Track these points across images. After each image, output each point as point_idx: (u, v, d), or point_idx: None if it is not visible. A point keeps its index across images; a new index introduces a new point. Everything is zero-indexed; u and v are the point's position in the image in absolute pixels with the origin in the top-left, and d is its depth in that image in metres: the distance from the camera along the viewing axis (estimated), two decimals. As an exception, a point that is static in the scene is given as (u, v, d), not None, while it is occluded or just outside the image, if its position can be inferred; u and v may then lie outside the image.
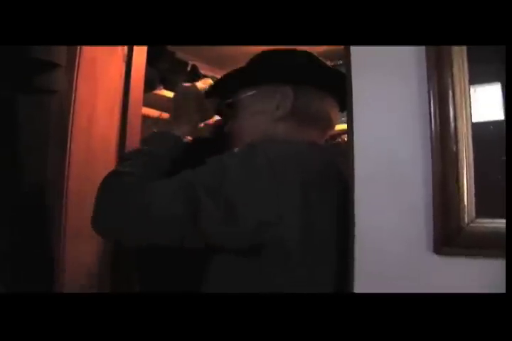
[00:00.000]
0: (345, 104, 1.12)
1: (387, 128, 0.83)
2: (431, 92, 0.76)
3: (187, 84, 1.19)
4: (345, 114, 2.23)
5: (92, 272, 1.36)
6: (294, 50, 1.14)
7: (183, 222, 0.87)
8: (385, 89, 0.85)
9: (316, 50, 1.16)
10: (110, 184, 0.97)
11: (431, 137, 0.75)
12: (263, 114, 1.09)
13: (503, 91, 0.73)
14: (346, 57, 0.88)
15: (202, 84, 1.20)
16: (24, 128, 1.20)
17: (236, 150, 0.96)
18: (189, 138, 1.16)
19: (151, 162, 1.03)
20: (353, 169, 0.83)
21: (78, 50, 1.37)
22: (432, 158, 0.75)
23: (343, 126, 2.21)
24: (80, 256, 1.34)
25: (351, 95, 0.87)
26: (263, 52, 1.17)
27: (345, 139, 2.20)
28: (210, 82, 1.22)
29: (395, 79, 0.84)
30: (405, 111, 0.81)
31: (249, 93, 1.12)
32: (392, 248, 0.78)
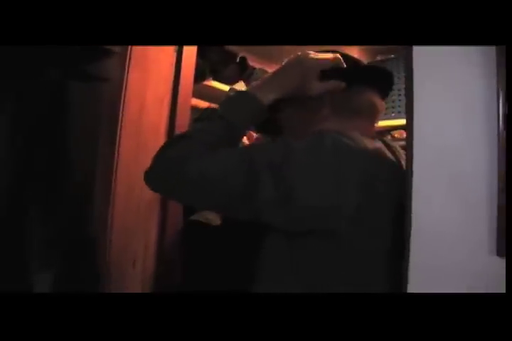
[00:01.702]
0: (385, 92, 1.15)
1: (450, 124, 0.80)
2: (500, 89, 0.73)
3: (311, 53, 1.07)
4: (393, 109, 2.20)
5: (137, 264, 1.37)
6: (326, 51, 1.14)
7: (238, 193, 0.86)
8: (448, 83, 0.82)
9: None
10: (176, 145, 0.95)
11: (498, 134, 0.72)
12: (309, 117, 1.09)
13: None
14: (407, 51, 0.86)
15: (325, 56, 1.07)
16: (76, 115, 1.21)
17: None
18: None
19: (224, 130, 0.97)
20: (411, 166, 0.81)
21: (131, 38, 1.38)
22: (498, 157, 0.72)
23: (392, 122, 2.19)
24: (127, 249, 1.35)
25: (411, 90, 0.84)
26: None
27: (395, 135, 2.17)
28: (337, 57, 1.09)
29: (459, 74, 0.81)
30: (470, 108, 0.78)
31: (291, 101, 1.10)
32: (451, 250, 0.76)
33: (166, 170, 0.92)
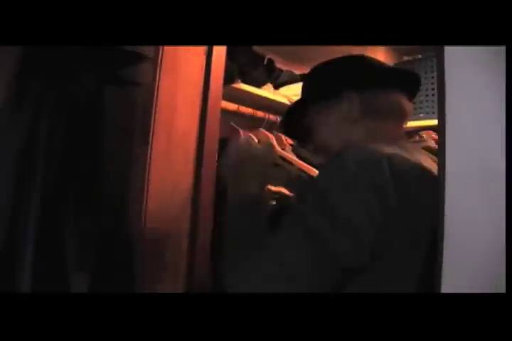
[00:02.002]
0: (412, 94, 1.18)
1: (480, 124, 0.81)
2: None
3: (242, 148, 1.19)
4: (421, 109, 2.19)
5: (170, 268, 1.40)
6: (350, 56, 1.19)
7: (319, 261, 0.86)
8: (478, 84, 0.82)
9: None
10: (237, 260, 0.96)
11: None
12: (338, 121, 1.12)
13: None
14: (439, 51, 0.86)
15: (258, 141, 1.21)
16: (111, 118, 1.23)
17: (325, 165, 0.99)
18: None
19: (254, 219, 1.02)
20: (443, 168, 0.81)
21: (161, 42, 1.40)
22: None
23: (421, 123, 2.18)
24: (158, 251, 1.38)
25: (443, 91, 0.85)
26: (319, 65, 1.22)
27: (424, 136, 2.17)
28: (266, 136, 1.24)
29: (489, 74, 0.81)
30: (500, 108, 0.79)
31: (319, 106, 1.16)
32: (483, 249, 0.76)
33: (244, 278, 0.91)
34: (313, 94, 1.16)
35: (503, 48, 0.78)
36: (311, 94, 1.16)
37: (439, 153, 0.83)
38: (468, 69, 0.83)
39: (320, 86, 1.17)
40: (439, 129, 0.84)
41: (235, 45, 1.76)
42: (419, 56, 2.26)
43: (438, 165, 0.84)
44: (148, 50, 1.30)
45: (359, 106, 1.09)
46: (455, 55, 0.84)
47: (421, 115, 2.22)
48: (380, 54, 2.30)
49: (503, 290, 0.69)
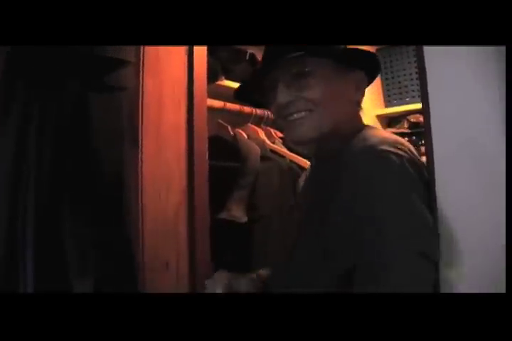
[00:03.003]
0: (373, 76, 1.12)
1: (465, 105, 0.81)
2: None
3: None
4: (407, 94, 2.19)
5: (171, 267, 1.41)
6: None
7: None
8: (461, 66, 0.82)
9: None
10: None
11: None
12: (344, 96, 1.03)
13: None
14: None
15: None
16: (99, 123, 1.23)
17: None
18: None
19: None
20: (432, 151, 0.82)
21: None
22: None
23: (408, 107, 2.19)
24: (159, 251, 1.38)
25: (425, 74, 0.85)
26: None
27: (412, 120, 2.18)
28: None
29: (472, 57, 0.82)
30: (487, 91, 0.79)
31: (326, 65, 1.01)
32: (478, 237, 0.77)
33: None
34: (325, 50, 1.01)
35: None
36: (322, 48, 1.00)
37: (426, 138, 0.83)
38: (451, 51, 0.83)
39: (335, 49, 1.03)
40: (424, 113, 0.85)
41: (216, 45, 1.76)
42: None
43: (425, 150, 0.84)
44: (129, 54, 1.30)
45: (364, 89, 1.06)
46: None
47: (407, 99, 2.23)
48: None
49: (503, 290, 0.70)
